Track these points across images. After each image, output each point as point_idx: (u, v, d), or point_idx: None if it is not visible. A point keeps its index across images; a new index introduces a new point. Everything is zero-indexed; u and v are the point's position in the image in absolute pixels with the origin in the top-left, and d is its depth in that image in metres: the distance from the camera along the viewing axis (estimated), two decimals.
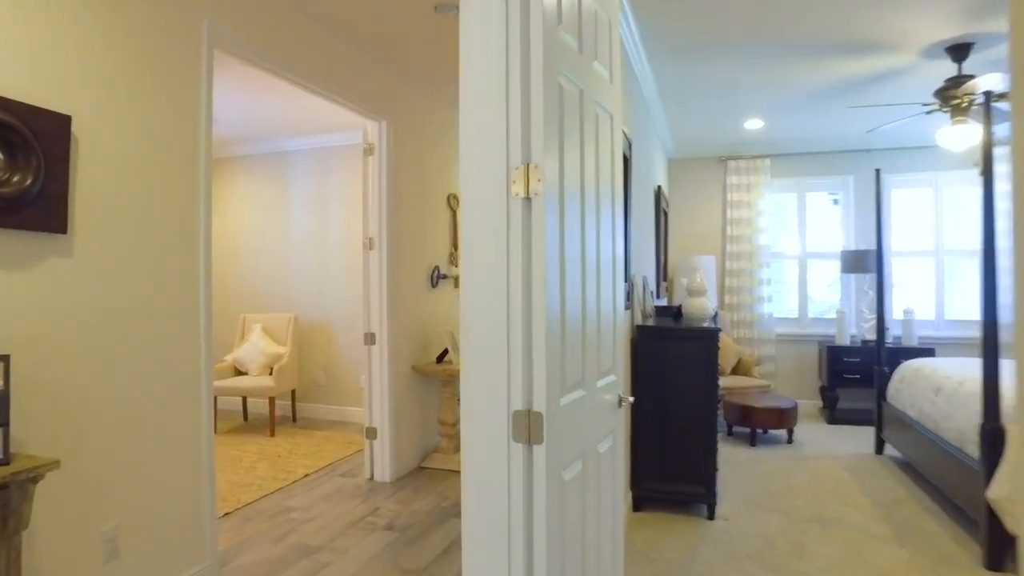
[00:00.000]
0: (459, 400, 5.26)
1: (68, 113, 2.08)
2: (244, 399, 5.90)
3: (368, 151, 4.18)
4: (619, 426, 2.26)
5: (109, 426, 2.24)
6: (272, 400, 5.25)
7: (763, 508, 3.59)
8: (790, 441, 5.11)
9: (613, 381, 2.17)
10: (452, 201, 5.13)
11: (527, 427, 1.59)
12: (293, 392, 5.80)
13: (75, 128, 2.11)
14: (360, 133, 5.73)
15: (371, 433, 4.19)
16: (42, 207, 1.98)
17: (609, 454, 2.14)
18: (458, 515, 3.56)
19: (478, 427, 1.66)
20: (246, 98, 4.74)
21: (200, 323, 2.64)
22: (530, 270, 1.61)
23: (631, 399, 2.23)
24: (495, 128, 1.64)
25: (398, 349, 4.28)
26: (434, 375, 4.46)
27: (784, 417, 5.01)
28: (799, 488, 3.92)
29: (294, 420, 5.83)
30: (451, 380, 4.47)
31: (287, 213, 6.17)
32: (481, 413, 1.65)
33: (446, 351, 4.56)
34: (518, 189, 1.61)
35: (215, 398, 5.30)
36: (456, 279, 5.22)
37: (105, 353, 2.23)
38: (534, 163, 1.60)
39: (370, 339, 4.18)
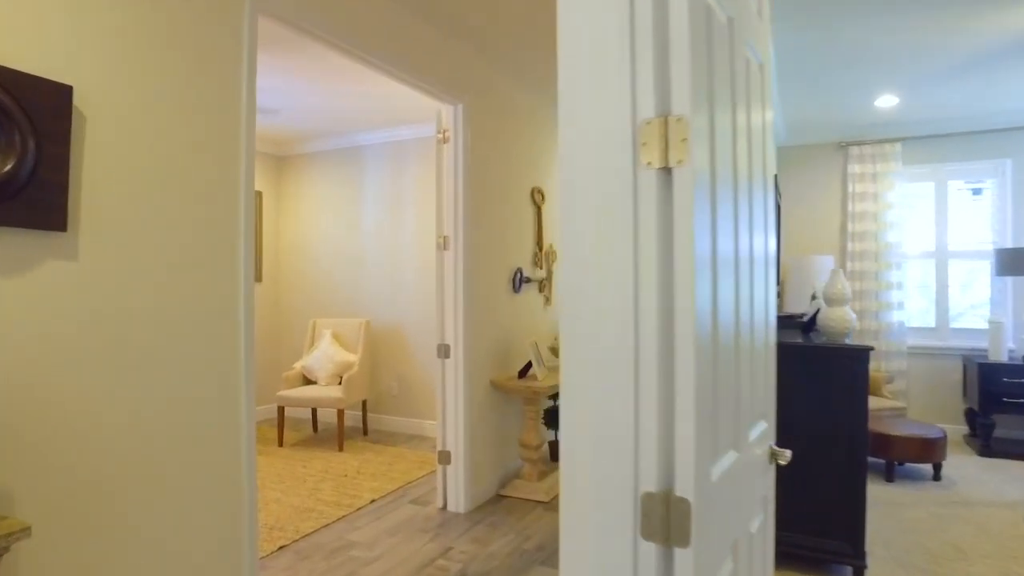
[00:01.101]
0: (544, 421, 4.73)
1: (69, 83, 1.68)
2: (314, 409, 5.59)
3: (442, 139, 3.71)
4: (771, 493, 1.64)
5: (122, 462, 1.84)
6: (341, 413, 4.89)
7: None
8: (937, 478, 4.26)
9: (765, 430, 1.57)
10: (536, 196, 4.60)
11: (665, 521, 1.03)
12: (364, 403, 5.44)
13: (79, 102, 1.71)
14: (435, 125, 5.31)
15: (444, 457, 3.72)
16: (34, 199, 1.59)
17: (760, 535, 1.53)
18: (543, 562, 3.02)
19: (585, 512, 1.11)
20: (315, 88, 4.39)
21: (240, 339, 2.22)
22: (671, 277, 1.05)
23: (788, 454, 1.61)
24: (613, 60, 1.09)
25: (475, 363, 3.78)
26: (516, 392, 3.94)
27: (931, 449, 4.17)
28: (969, 548, 3.13)
29: (365, 433, 5.47)
30: (535, 398, 3.94)
31: (359, 212, 5.83)
32: (590, 491, 1.11)
33: (529, 364, 4.03)
34: (651, 156, 1.05)
35: (282, 408, 4.99)
36: (540, 283, 4.69)
37: (116, 374, 1.83)
38: (676, 114, 1.04)
39: (444, 352, 3.70)
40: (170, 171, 1.98)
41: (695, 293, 1.03)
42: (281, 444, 5.01)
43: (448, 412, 3.69)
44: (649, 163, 1.05)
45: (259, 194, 6.06)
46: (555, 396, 4.54)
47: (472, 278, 3.74)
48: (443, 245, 3.70)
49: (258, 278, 6.05)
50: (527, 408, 3.98)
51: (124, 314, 1.84)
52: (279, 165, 6.29)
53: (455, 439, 3.68)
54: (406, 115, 5.17)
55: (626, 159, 1.07)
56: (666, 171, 1.05)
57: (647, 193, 1.05)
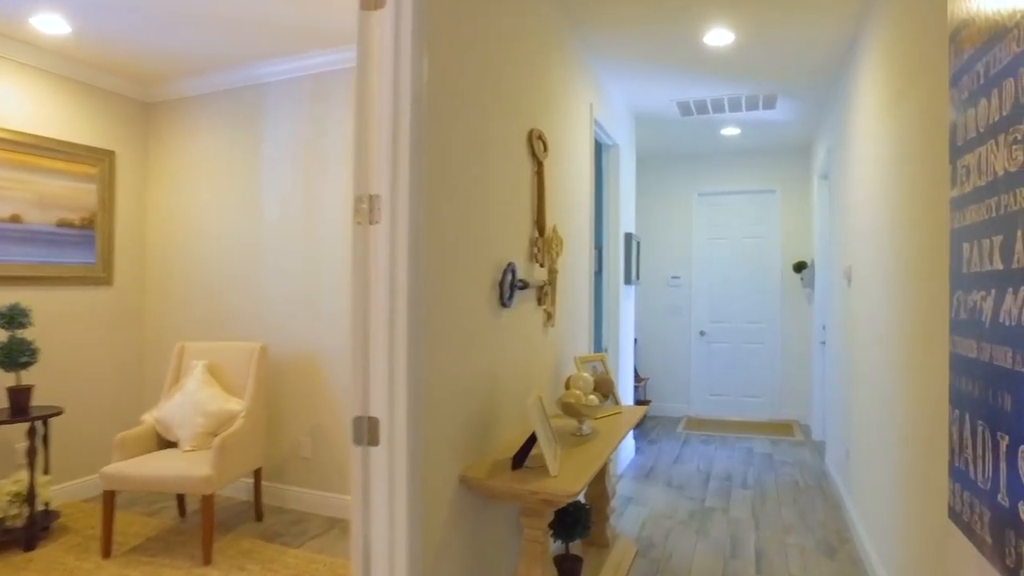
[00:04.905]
0: (553, 533, 2.69)
1: None
2: None
3: (371, 1, 1.85)
4: None
5: None
6: (208, 501, 2.96)
7: None
8: None
9: None
10: (536, 143, 2.78)
11: None
12: (258, 472, 3.52)
13: None
14: None
15: None
16: None
17: None
18: None
19: None
20: None
21: None
22: None
23: None
24: None
25: (432, 445, 1.94)
26: (507, 498, 2.10)
27: None
28: None
29: (258, 518, 3.54)
30: (542, 509, 2.10)
31: (259, 181, 3.91)
32: None
33: (532, 440, 2.20)
34: None
35: (110, 495, 3.01)
36: (540, 289, 2.87)
37: None
38: None
39: (367, 432, 1.83)
40: None
41: None
42: (107, 554, 3.03)
43: (378, 554, 1.82)
44: None
45: (110, 155, 4.07)
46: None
47: (427, 278, 1.91)
48: (368, 214, 1.85)
49: (107, 280, 4.05)
50: (528, 523, 2.15)
51: None
52: (145, 114, 4.31)
53: None
54: (328, 32, 3.30)
55: None
56: None
57: None
